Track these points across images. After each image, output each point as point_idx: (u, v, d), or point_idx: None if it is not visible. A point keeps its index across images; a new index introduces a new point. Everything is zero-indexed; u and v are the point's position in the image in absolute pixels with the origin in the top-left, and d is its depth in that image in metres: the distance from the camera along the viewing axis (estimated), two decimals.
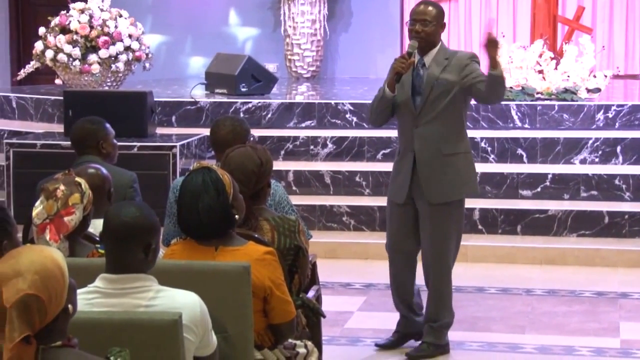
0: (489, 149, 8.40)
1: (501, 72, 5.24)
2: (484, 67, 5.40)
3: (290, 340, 4.00)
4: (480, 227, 7.79)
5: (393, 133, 8.68)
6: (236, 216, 3.81)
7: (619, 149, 8.23)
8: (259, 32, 11.83)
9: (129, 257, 3.21)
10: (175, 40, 11.83)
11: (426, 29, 5.39)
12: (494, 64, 5.21)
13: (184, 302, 3.19)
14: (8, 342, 2.42)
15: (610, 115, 8.61)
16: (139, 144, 7.75)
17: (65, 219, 3.78)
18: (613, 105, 8.66)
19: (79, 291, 2.74)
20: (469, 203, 7.91)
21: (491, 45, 5.21)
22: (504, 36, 9.75)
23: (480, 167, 8.26)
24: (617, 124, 8.59)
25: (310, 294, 4.44)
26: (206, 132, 8.11)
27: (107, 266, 3.24)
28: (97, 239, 3.85)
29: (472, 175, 5.52)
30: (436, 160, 5.38)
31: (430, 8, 5.43)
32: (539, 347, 5.69)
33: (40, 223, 3.79)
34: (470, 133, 8.54)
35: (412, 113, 5.43)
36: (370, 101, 5.74)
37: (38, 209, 3.81)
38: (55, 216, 3.79)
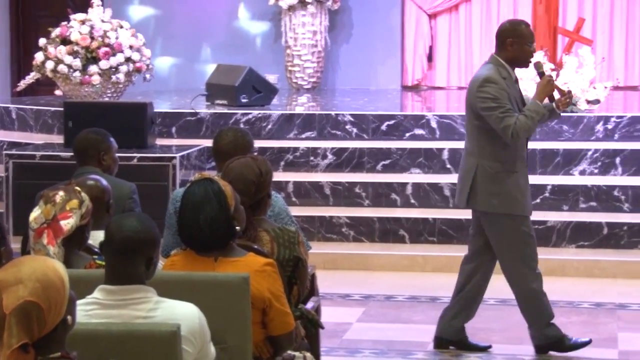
0: None
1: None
2: None
3: (289, 352, 4.00)
4: None
5: (392, 144, 8.72)
6: (237, 227, 3.83)
7: (618, 160, 8.25)
8: (259, 43, 11.86)
9: (130, 270, 3.22)
10: (179, 52, 11.86)
11: None
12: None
13: (183, 313, 3.20)
14: (6, 348, 2.42)
15: (609, 127, 8.63)
16: (138, 155, 7.76)
17: (62, 222, 3.78)
18: (613, 116, 8.68)
19: (77, 302, 2.75)
20: (468, 214, 7.94)
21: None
22: None
23: None
24: (616, 135, 8.61)
25: (309, 305, 4.44)
26: (206, 143, 8.14)
27: (106, 278, 3.25)
28: (96, 250, 3.85)
29: None
30: None
31: None
32: (537, 358, 5.70)
33: (38, 227, 3.79)
34: None
35: None
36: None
37: (36, 213, 3.81)
38: (53, 220, 3.78)
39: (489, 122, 5.50)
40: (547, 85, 5.60)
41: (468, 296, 5.75)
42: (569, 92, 5.68)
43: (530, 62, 5.65)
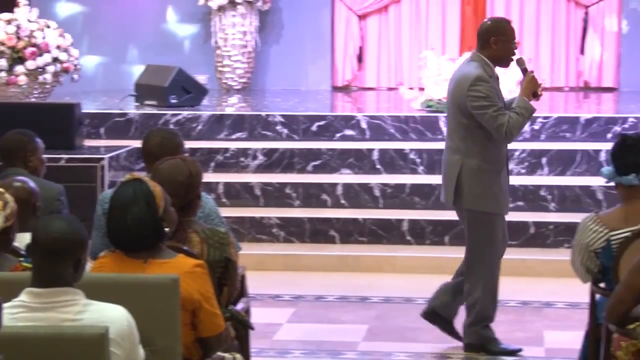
0: (418, 160, 8.49)
1: None
2: None
3: (218, 353, 4.00)
4: (408, 237, 7.86)
5: (323, 145, 8.75)
6: (166, 229, 3.81)
7: (544, 160, 8.37)
8: (189, 43, 11.81)
9: (58, 272, 3.19)
10: (107, 51, 11.75)
11: None
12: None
13: (111, 315, 3.19)
14: None
15: (536, 127, 8.75)
16: (66, 156, 7.69)
17: None
18: (539, 117, 8.80)
19: (3, 305, 2.72)
20: (398, 214, 8.03)
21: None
22: (433, 49, 9.86)
23: (409, 179, 8.35)
24: (542, 135, 8.73)
25: (239, 306, 4.45)
26: (135, 144, 8.09)
27: (33, 280, 3.22)
28: (23, 252, 3.81)
29: None
30: None
31: None
32: (465, 357, 5.76)
33: None
34: (399, 144, 8.70)
35: None
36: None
37: None
38: None
39: (481, 121, 5.52)
40: (531, 81, 5.66)
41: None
42: (540, 84, 5.71)
43: (512, 60, 5.68)
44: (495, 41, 5.57)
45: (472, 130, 5.57)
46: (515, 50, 5.66)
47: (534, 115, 8.76)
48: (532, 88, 5.64)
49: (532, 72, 5.69)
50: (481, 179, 5.57)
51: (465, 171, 5.60)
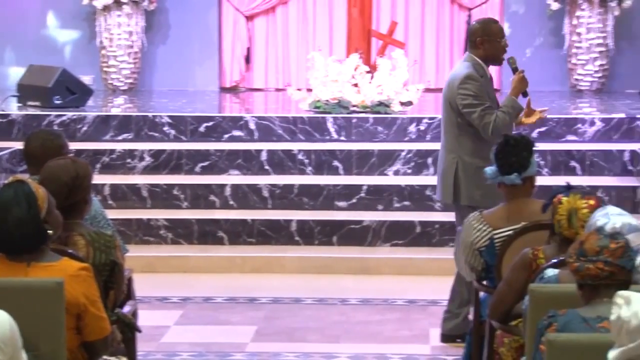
0: (306, 160, 8.52)
1: None
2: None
3: (104, 357, 3.96)
4: (297, 238, 7.89)
5: (211, 146, 8.72)
6: (50, 232, 3.75)
7: (430, 160, 8.48)
8: (74, 43, 11.63)
9: None
10: None
11: None
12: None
13: None
14: None
15: (422, 128, 8.87)
16: None
17: None
18: (425, 117, 8.93)
19: None
20: (287, 215, 8.05)
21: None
22: (320, 50, 9.91)
23: (298, 179, 8.38)
24: (428, 136, 8.85)
25: (126, 309, 4.40)
26: (18, 145, 7.93)
27: None
28: None
29: None
30: None
31: None
32: (353, 355, 5.82)
33: None
34: (288, 145, 8.72)
35: None
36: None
37: None
38: None
39: (470, 119, 5.62)
40: (521, 81, 5.74)
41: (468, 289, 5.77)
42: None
43: (504, 58, 5.76)
44: (481, 41, 5.70)
45: (465, 128, 5.69)
46: (506, 49, 5.75)
47: (420, 116, 8.99)
48: (521, 87, 5.75)
49: (522, 71, 5.79)
50: (477, 175, 5.64)
51: (461, 169, 5.73)
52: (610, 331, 2.86)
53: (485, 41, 5.70)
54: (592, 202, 4.18)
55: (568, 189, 4.31)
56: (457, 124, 5.72)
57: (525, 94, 5.78)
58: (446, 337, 5.91)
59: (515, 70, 5.81)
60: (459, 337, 5.83)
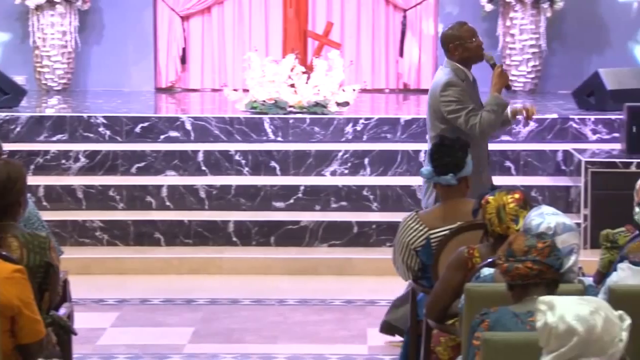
0: (243, 161, 8.51)
1: None
2: None
3: None
4: (234, 239, 7.88)
5: (147, 147, 8.67)
6: None
7: (366, 160, 8.52)
8: (6, 43, 11.49)
9: None
10: None
11: None
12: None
13: None
14: None
15: (358, 128, 8.91)
16: None
17: None
18: (361, 118, 8.97)
19: None
20: (224, 216, 8.03)
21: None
22: (256, 50, 9.90)
23: (234, 180, 8.37)
24: (364, 136, 8.89)
25: (62, 311, 4.37)
26: None
27: None
28: None
29: None
30: None
31: None
32: (291, 356, 5.83)
33: None
34: (224, 146, 8.70)
35: None
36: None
37: None
38: None
39: (456, 124, 5.60)
40: (500, 75, 5.74)
41: None
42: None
43: (482, 55, 5.75)
44: (454, 47, 5.72)
45: (451, 134, 5.66)
46: (481, 46, 5.75)
47: (356, 116, 9.02)
48: (502, 82, 5.77)
49: (500, 66, 5.81)
50: None
51: None
52: (538, 338, 2.88)
53: (458, 46, 5.73)
54: (517, 195, 4.26)
55: (493, 189, 4.38)
56: (442, 131, 5.73)
57: (508, 87, 5.83)
58: (387, 326, 5.82)
59: (493, 66, 5.83)
60: (398, 331, 5.86)
